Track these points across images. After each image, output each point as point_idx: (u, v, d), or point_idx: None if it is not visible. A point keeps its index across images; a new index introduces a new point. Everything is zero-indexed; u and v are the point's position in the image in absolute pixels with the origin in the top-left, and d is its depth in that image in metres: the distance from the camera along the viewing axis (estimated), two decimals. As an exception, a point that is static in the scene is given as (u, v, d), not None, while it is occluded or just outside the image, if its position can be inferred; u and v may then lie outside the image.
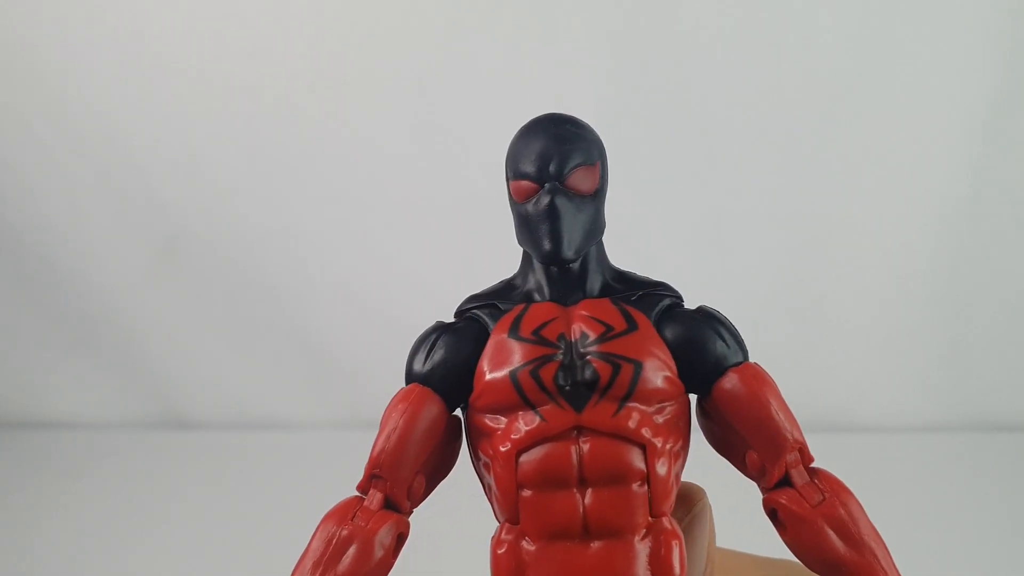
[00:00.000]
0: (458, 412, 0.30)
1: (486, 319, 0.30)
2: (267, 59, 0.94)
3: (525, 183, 0.29)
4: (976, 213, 0.94)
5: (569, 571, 0.26)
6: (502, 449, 0.27)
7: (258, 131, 0.97)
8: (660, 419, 0.27)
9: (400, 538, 0.28)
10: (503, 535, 0.27)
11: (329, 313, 1.05)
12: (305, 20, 0.92)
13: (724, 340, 0.29)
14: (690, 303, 0.33)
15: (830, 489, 0.27)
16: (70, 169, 1.00)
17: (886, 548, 0.27)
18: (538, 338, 0.28)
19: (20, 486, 0.96)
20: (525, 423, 0.27)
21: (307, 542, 0.27)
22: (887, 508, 0.87)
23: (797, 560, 0.27)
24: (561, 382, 0.27)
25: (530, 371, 0.27)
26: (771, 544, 0.29)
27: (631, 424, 0.27)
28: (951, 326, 0.99)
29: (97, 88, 0.96)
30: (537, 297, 0.30)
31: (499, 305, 0.30)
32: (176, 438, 1.07)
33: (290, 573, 0.27)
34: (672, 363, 0.28)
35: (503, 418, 0.28)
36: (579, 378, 0.27)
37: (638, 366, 0.27)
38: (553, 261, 0.29)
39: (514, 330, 0.28)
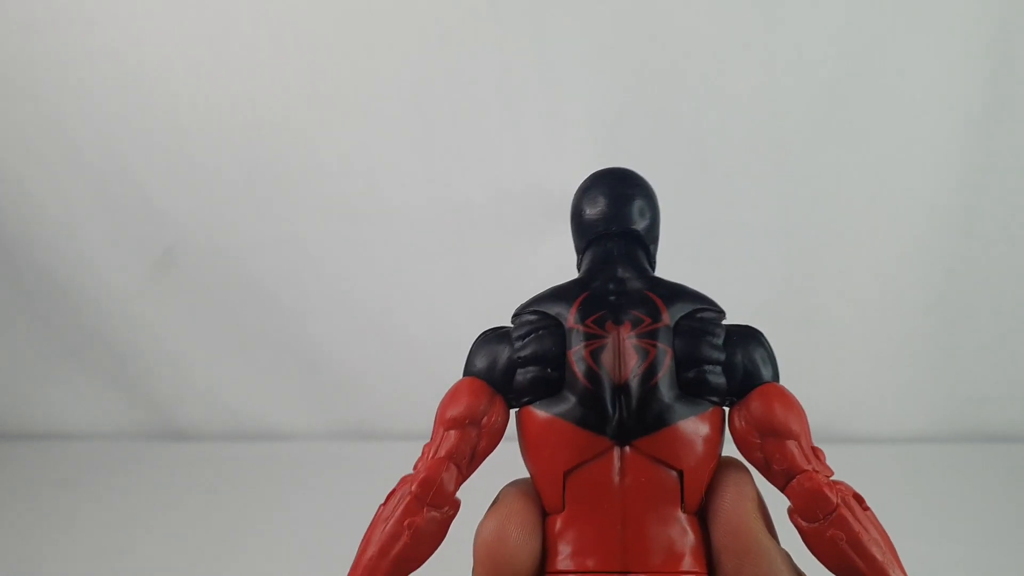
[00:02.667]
0: None
1: None
2: (264, 70, 0.94)
3: None
4: (970, 224, 0.94)
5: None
6: None
7: (255, 142, 0.97)
8: None
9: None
10: None
11: (327, 324, 1.05)
12: (301, 31, 0.93)
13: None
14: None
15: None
16: (66, 180, 1.00)
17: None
18: None
19: (15, 497, 0.95)
20: None
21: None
22: (881, 518, 0.87)
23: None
24: None
25: None
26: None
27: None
28: (946, 336, 0.99)
29: (93, 99, 0.96)
30: None
31: None
32: (173, 449, 1.06)
33: None
34: None
35: None
36: None
37: None
38: None
39: None
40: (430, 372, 1.03)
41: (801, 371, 1.01)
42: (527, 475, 0.28)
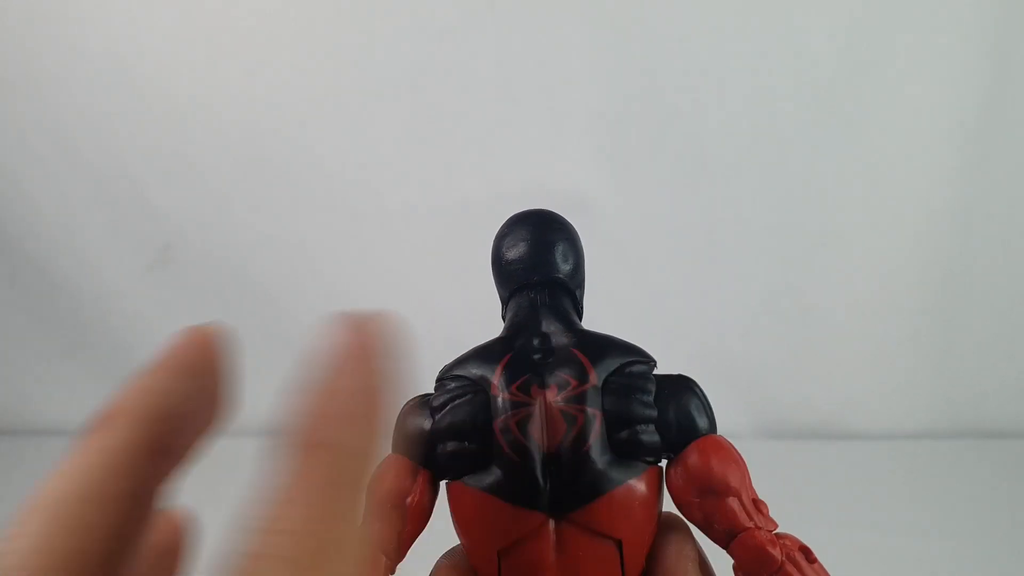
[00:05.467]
0: None
1: None
2: (261, 67, 0.94)
3: None
4: (966, 221, 0.94)
5: None
6: None
7: (253, 139, 0.97)
8: None
9: None
10: None
11: (323, 320, 1.05)
12: (299, 29, 0.92)
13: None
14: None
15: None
16: (65, 177, 1.00)
17: None
18: None
19: (12, 494, 0.95)
20: None
21: None
22: (878, 515, 0.87)
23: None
24: None
25: None
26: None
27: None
28: (942, 333, 0.99)
29: (92, 96, 0.96)
30: None
31: None
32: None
33: None
34: None
35: None
36: None
37: None
38: None
39: None
40: (426, 370, 1.03)
41: (799, 368, 1.02)
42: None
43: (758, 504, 0.25)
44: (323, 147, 0.97)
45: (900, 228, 0.95)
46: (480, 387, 0.26)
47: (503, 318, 0.30)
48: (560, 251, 0.29)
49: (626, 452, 0.25)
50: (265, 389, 1.16)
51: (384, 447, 0.19)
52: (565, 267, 0.29)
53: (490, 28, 0.91)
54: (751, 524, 0.25)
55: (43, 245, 1.03)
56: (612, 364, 0.26)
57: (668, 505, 0.27)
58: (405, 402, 0.28)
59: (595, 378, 0.26)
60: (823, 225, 0.96)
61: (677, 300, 0.97)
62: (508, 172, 0.96)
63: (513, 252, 0.29)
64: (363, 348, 0.19)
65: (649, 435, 0.25)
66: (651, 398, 0.26)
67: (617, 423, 0.25)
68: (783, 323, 0.99)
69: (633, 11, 0.89)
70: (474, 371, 0.27)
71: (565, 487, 0.24)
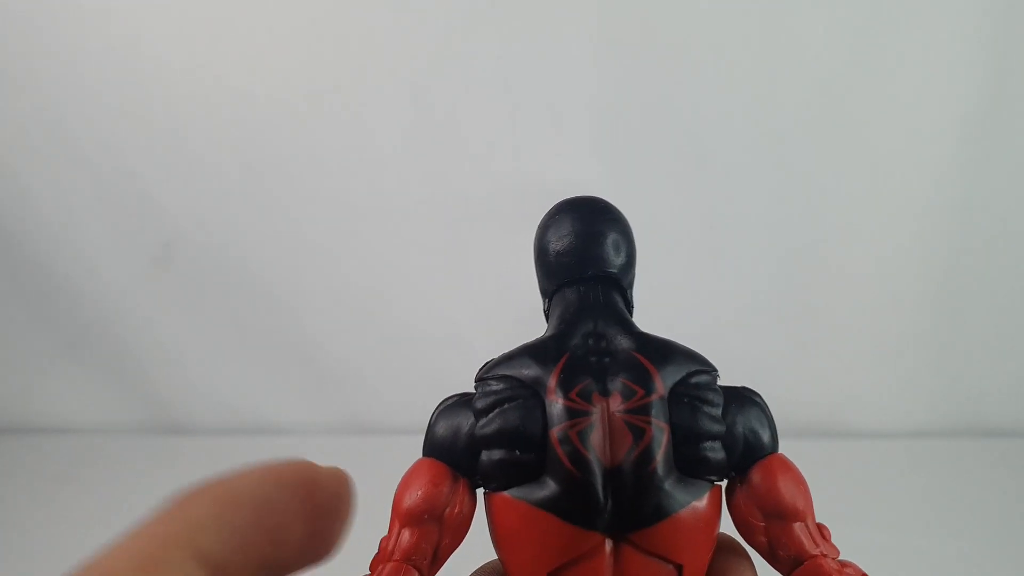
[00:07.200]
0: None
1: None
2: (262, 64, 0.94)
3: None
4: (967, 218, 0.94)
5: None
6: None
7: (253, 137, 0.97)
8: None
9: None
10: None
11: (324, 318, 1.05)
12: (300, 25, 0.92)
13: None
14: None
15: None
16: (66, 175, 1.00)
17: None
18: None
19: (12, 491, 0.95)
20: None
21: None
22: (879, 513, 0.87)
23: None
24: None
25: None
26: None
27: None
28: (943, 331, 0.99)
29: (92, 94, 0.96)
30: None
31: None
32: (171, 443, 1.06)
33: None
34: None
35: None
36: None
37: None
38: None
39: None
40: (428, 366, 1.04)
41: (798, 365, 1.02)
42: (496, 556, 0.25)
43: (821, 529, 0.24)
44: (323, 144, 0.97)
45: (901, 225, 0.95)
46: (533, 390, 0.24)
47: (545, 313, 0.28)
48: (612, 243, 0.27)
49: (691, 470, 0.23)
50: (265, 388, 1.16)
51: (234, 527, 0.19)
52: (618, 261, 0.27)
53: (490, 23, 0.91)
54: (817, 551, 0.23)
55: (43, 243, 1.03)
56: (677, 373, 0.24)
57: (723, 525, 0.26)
58: (443, 400, 0.26)
59: (662, 388, 0.23)
60: (824, 222, 0.96)
61: (676, 296, 0.96)
62: (506, 167, 0.96)
63: (562, 243, 0.27)
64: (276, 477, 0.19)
65: (716, 452, 0.24)
66: (719, 412, 0.24)
67: (685, 439, 0.23)
68: (783, 320, 0.99)
69: (633, 6, 0.89)
70: (526, 372, 0.24)
71: (628, 506, 0.22)
